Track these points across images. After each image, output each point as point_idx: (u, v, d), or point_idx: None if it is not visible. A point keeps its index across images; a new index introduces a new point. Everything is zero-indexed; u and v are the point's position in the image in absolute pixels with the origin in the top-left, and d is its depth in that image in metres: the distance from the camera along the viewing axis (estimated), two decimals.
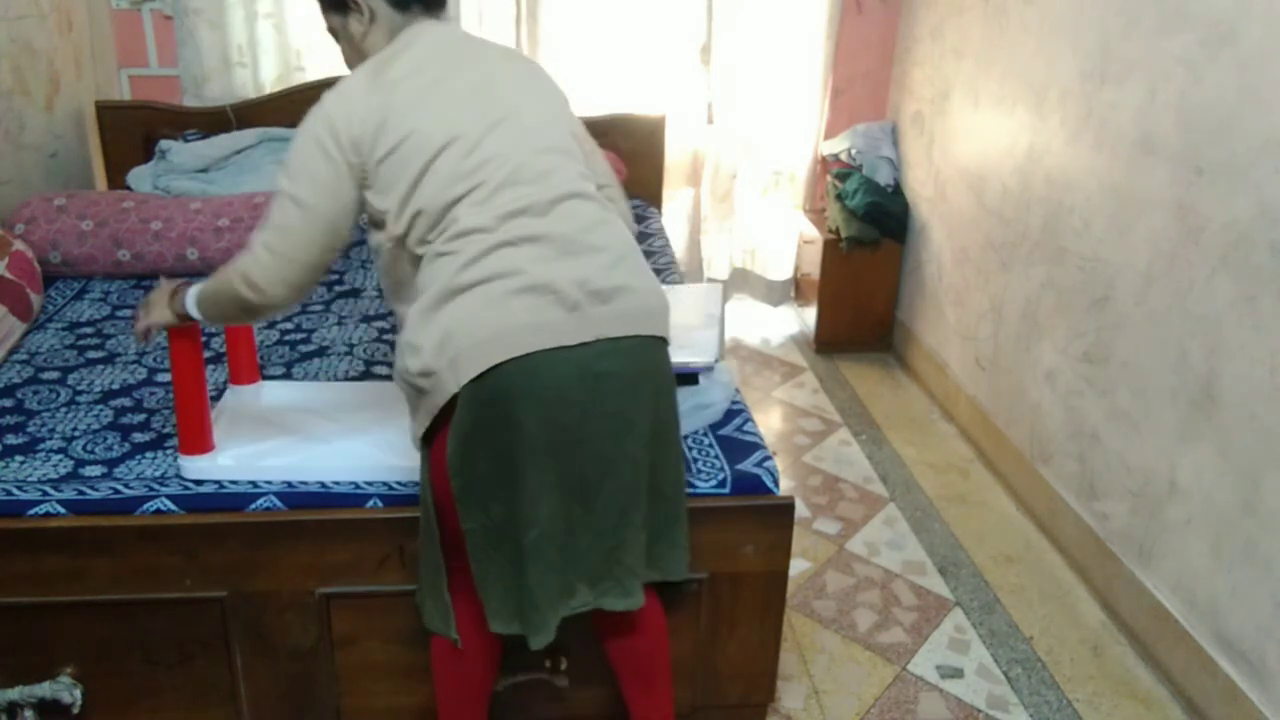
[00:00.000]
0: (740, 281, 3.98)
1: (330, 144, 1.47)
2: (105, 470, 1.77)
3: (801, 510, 2.69)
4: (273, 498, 1.69)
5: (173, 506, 1.67)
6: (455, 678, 1.61)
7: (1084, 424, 2.45)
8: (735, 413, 1.97)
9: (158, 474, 1.76)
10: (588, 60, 3.53)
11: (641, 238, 3.12)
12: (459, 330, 1.38)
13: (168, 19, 3.32)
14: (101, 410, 1.99)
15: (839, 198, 3.57)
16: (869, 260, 3.55)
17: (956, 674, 2.14)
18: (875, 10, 3.64)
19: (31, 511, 1.64)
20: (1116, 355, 2.31)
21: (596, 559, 1.48)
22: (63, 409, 1.99)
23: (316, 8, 1.62)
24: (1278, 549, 1.82)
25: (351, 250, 2.90)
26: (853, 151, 3.69)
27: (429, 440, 1.47)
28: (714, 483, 1.76)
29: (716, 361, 1.95)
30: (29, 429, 1.91)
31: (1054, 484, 2.58)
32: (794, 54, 3.59)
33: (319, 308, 2.54)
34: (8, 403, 2.01)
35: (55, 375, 2.14)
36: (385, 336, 2.37)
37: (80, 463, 1.79)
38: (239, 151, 3.11)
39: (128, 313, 2.49)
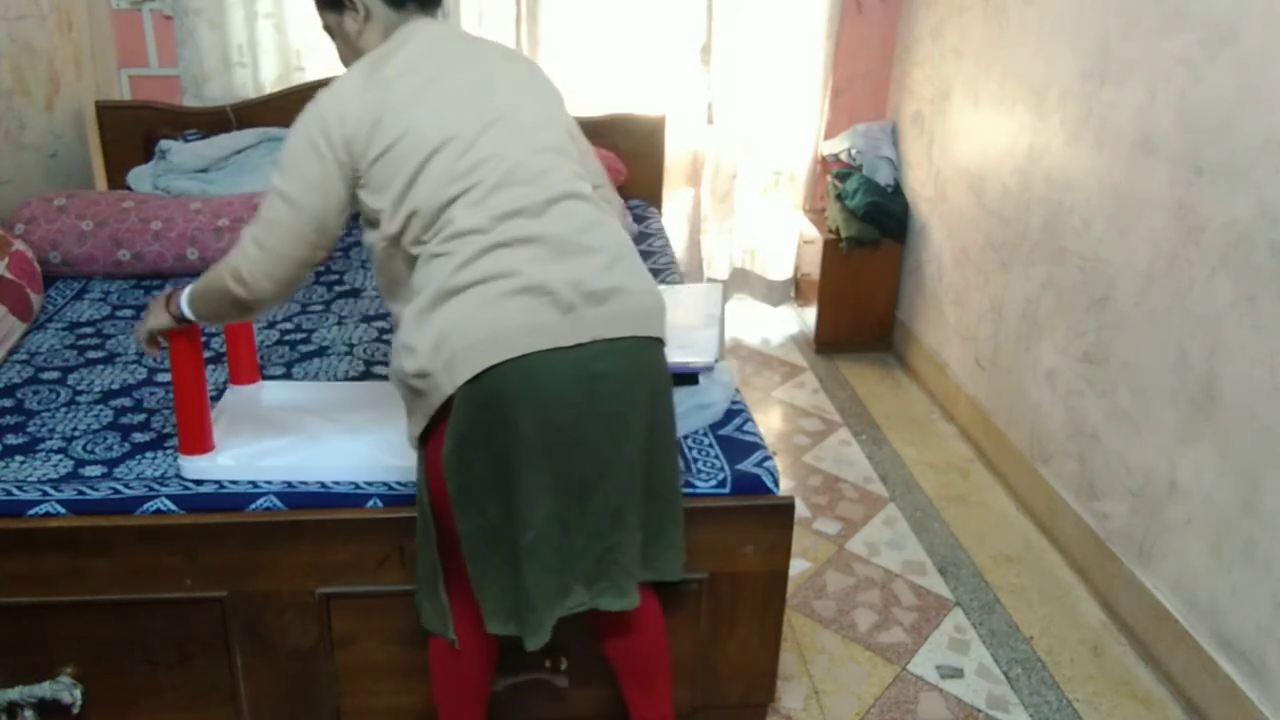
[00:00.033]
0: (740, 281, 3.98)
1: (322, 142, 1.47)
2: (105, 470, 1.77)
3: (801, 510, 2.69)
4: (273, 498, 1.69)
5: (173, 506, 1.67)
6: (453, 678, 1.61)
7: (1084, 424, 2.45)
8: (735, 413, 1.97)
9: (158, 474, 1.76)
10: (588, 60, 3.53)
11: (641, 238, 3.13)
12: (454, 332, 1.37)
13: (168, 19, 3.32)
14: (101, 410, 1.99)
15: (839, 198, 3.57)
16: (869, 260, 3.55)
17: (956, 674, 2.14)
18: (875, 10, 3.64)
19: (31, 511, 1.64)
20: (1116, 355, 2.31)
21: (592, 559, 1.48)
22: (63, 409, 1.99)
23: (313, 6, 1.62)
24: (1278, 549, 1.82)
25: (351, 250, 2.91)
26: (853, 151, 3.69)
27: (426, 441, 1.47)
28: (714, 483, 1.76)
29: (716, 361, 1.95)
30: (29, 429, 1.91)
31: (1054, 484, 2.58)
32: (794, 54, 3.59)
33: (319, 308, 2.54)
34: (8, 403, 2.01)
35: (55, 375, 2.14)
36: (385, 336, 2.37)
37: (80, 463, 1.79)
38: (239, 151, 3.11)
39: (128, 313, 2.50)
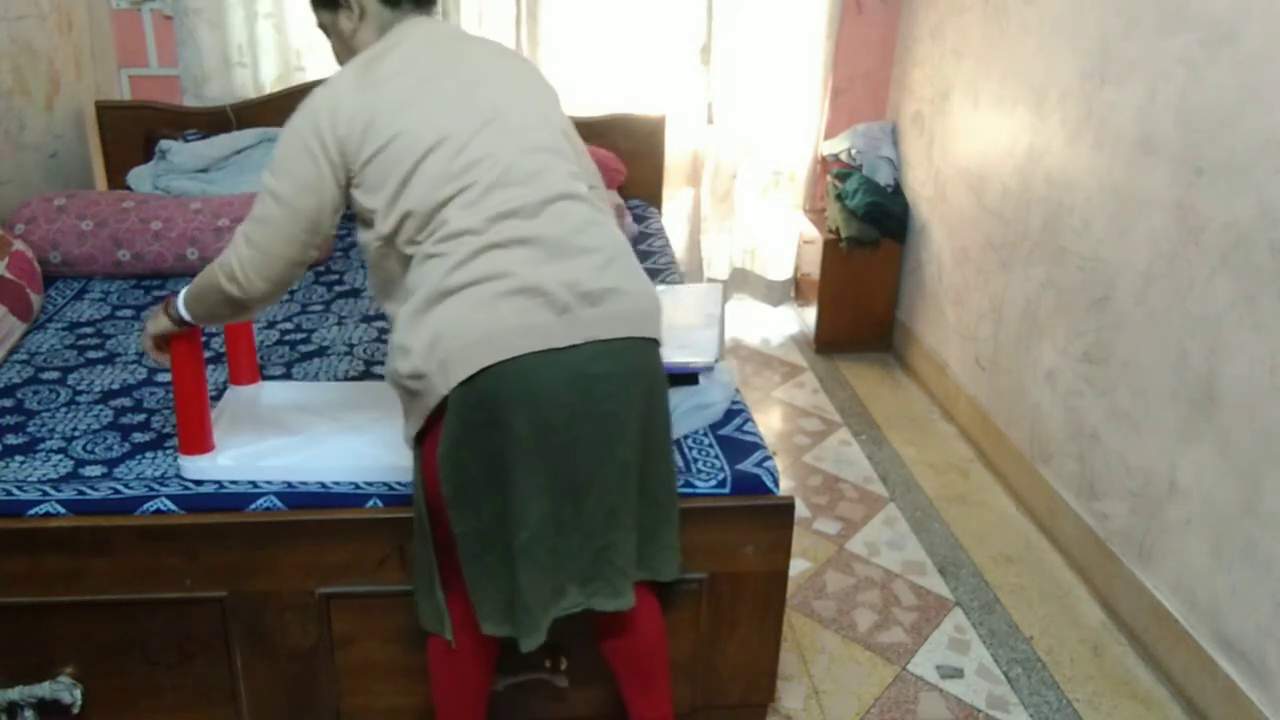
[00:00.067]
0: (740, 281, 3.98)
1: (314, 142, 1.46)
2: (105, 470, 1.77)
3: (801, 510, 2.69)
4: (273, 498, 1.69)
5: (173, 506, 1.67)
6: (452, 678, 1.61)
7: (1084, 424, 2.45)
8: (735, 413, 1.97)
9: (158, 474, 1.76)
10: (588, 60, 3.53)
11: (641, 238, 3.13)
12: (448, 333, 1.37)
13: (168, 19, 3.33)
14: (101, 410, 1.99)
15: (839, 198, 3.57)
16: (869, 260, 3.55)
17: (956, 674, 2.14)
18: (875, 10, 3.64)
19: (31, 511, 1.64)
20: (1116, 355, 2.31)
21: (587, 560, 1.47)
22: (63, 409, 1.99)
23: (309, 5, 1.62)
24: (1278, 549, 1.82)
25: (351, 250, 2.91)
26: (853, 151, 3.69)
27: (421, 441, 1.47)
28: (714, 483, 1.76)
29: (716, 361, 1.95)
30: (29, 429, 1.91)
31: (1054, 484, 2.58)
32: (794, 54, 3.59)
33: (319, 308, 2.54)
34: (8, 403, 2.01)
35: (55, 375, 2.14)
36: (385, 336, 2.36)
37: (80, 463, 1.79)
38: (239, 151, 3.11)
39: (128, 313, 2.50)
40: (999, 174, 2.90)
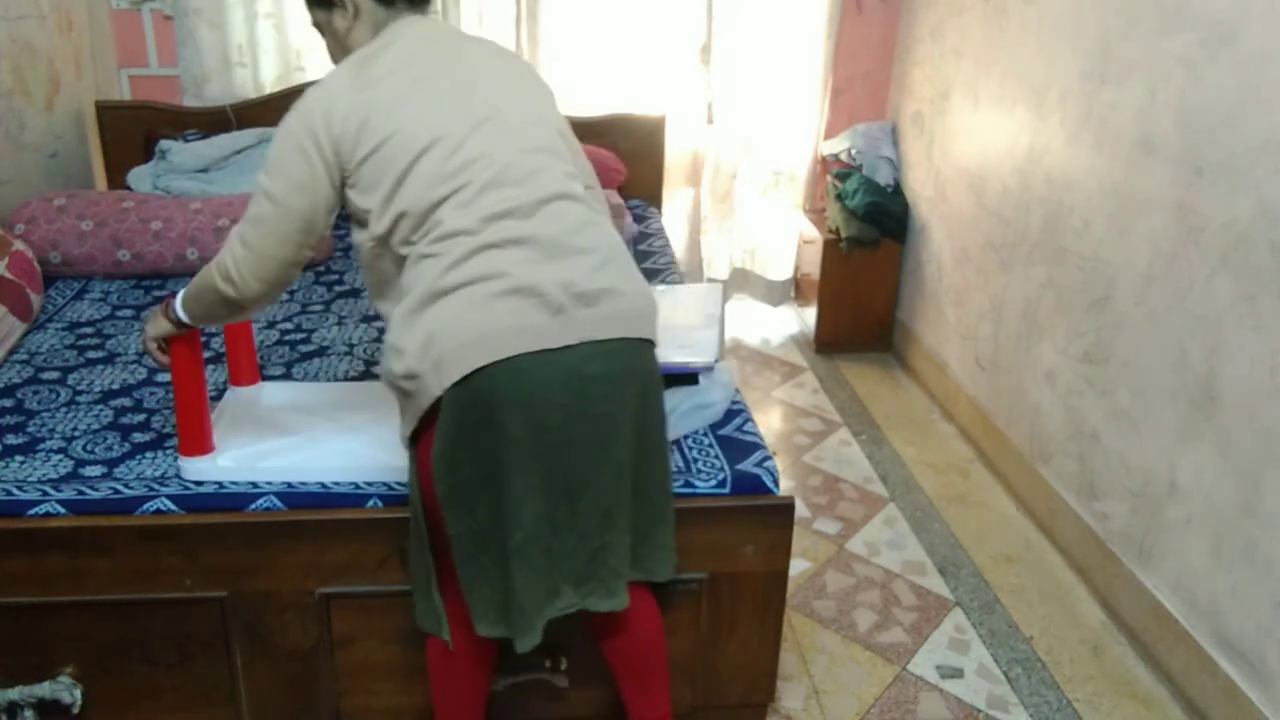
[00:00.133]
0: (740, 281, 3.98)
1: (308, 142, 1.46)
2: (105, 470, 1.77)
3: (801, 510, 2.69)
4: (273, 498, 1.69)
5: (173, 506, 1.67)
6: (451, 679, 1.61)
7: (1084, 424, 2.45)
8: (735, 413, 1.97)
9: (158, 474, 1.76)
10: (588, 60, 3.53)
11: (641, 238, 3.13)
12: (442, 333, 1.37)
13: (168, 19, 3.33)
14: (101, 410, 1.99)
15: (839, 198, 3.57)
16: (869, 260, 3.55)
17: (956, 674, 2.14)
18: (875, 10, 3.64)
19: (31, 511, 1.64)
20: (1116, 355, 2.31)
21: (581, 560, 1.47)
22: (63, 409, 1.99)
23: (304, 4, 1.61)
24: (1278, 549, 1.82)
25: (352, 250, 2.90)
26: (853, 151, 3.69)
27: (416, 442, 1.47)
28: (714, 483, 1.76)
29: (716, 361, 1.95)
30: (29, 429, 1.91)
31: (1054, 484, 2.58)
32: (794, 54, 3.59)
33: (319, 308, 2.54)
34: (8, 403, 2.01)
35: (55, 375, 2.14)
36: (384, 337, 2.37)
37: (80, 463, 1.79)
38: (239, 151, 3.11)
39: (128, 313, 2.50)
40: (999, 174, 2.90)
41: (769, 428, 3.14)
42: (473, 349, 1.35)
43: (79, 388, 2.08)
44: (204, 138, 3.15)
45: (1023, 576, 2.47)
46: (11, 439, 1.87)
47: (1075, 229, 2.48)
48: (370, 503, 1.70)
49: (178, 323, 1.62)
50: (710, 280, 3.88)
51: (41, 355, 2.23)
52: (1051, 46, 2.60)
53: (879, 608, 2.33)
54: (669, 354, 1.89)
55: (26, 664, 1.70)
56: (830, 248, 3.53)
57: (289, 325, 2.43)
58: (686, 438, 1.89)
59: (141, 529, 1.64)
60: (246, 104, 3.28)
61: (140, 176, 3.07)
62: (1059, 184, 2.56)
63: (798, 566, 2.43)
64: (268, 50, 3.37)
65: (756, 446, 1.86)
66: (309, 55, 3.39)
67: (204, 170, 3.06)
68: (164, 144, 3.07)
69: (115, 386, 2.09)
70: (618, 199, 3.14)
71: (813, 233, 3.66)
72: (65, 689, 1.69)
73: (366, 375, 2.18)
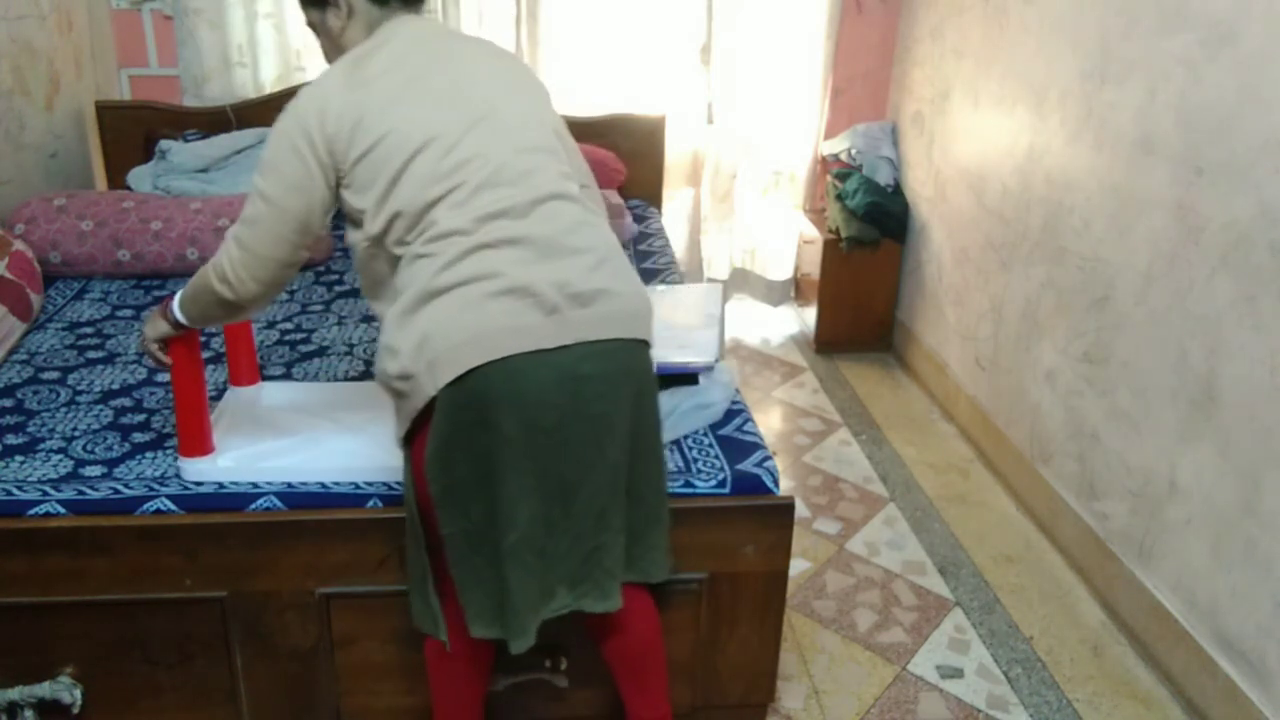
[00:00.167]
0: (740, 281, 3.98)
1: (302, 142, 1.46)
2: (105, 470, 1.77)
3: (801, 510, 2.69)
4: (273, 498, 1.69)
5: (173, 506, 1.67)
6: (449, 679, 1.60)
7: (1084, 424, 2.45)
8: (735, 413, 1.97)
9: (158, 474, 1.76)
10: (588, 60, 3.53)
11: (641, 238, 3.13)
12: (436, 333, 1.36)
13: (168, 19, 3.33)
14: (101, 410, 1.99)
15: (839, 198, 3.57)
16: (869, 260, 3.55)
17: (956, 674, 2.14)
18: (875, 10, 3.64)
19: (31, 511, 1.64)
20: (1116, 355, 2.31)
21: (575, 562, 1.47)
22: (63, 409, 1.99)
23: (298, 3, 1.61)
24: (1278, 549, 1.82)
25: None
26: (853, 151, 3.69)
27: (411, 442, 1.46)
28: (714, 483, 1.76)
29: (716, 361, 1.95)
30: (29, 429, 1.91)
31: (1054, 484, 2.58)
32: (794, 54, 3.59)
33: (319, 308, 2.54)
34: (8, 403, 2.01)
35: (55, 375, 2.14)
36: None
37: (80, 463, 1.79)
38: (239, 151, 3.11)
39: (128, 313, 2.50)
40: (999, 174, 2.90)
41: (769, 428, 3.14)
42: (467, 349, 1.35)
43: (79, 388, 2.08)
44: (204, 138, 3.15)
45: (1023, 576, 2.47)
46: (11, 439, 1.87)
47: (1075, 229, 2.48)
48: (370, 503, 1.70)
49: (176, 324, 1.62)
50: (710, 280, 3.88)
51: (41, 355, 2.23)
52: (1051, 46, 2.60)
53: (879, 608, 2.33)
54: (669, 354, 1.89)
55: (26, 664, 1.70)
56: (830, 248, 3.53)
57: (289, 325, 2.43)
58: (686, 438, 1.89)
59: (141, 529, 1.64)
60: (246, 104, 3.28)
61: (140, 176, 3.07)
62: (1059, 184, 2.56)
63: (798, 566, 2.43)
64: (268, 50, 3.37)
65: (756, 446, 1.86)
66: (309, 55, 3.39)
67: (204, 170, 3.06)
68: (164, 144, 3.07)
69: (115, 386, 2.09)
70: (617, 199, 3.14)
71: (813, 233, 3.66)
72: (65, 689, 1.69)
73: (366, 375, 2.17)
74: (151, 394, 2.05)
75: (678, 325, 2.03)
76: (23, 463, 1.79)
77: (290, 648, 1.74)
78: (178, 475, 1.74)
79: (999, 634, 2.27)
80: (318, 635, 1.73)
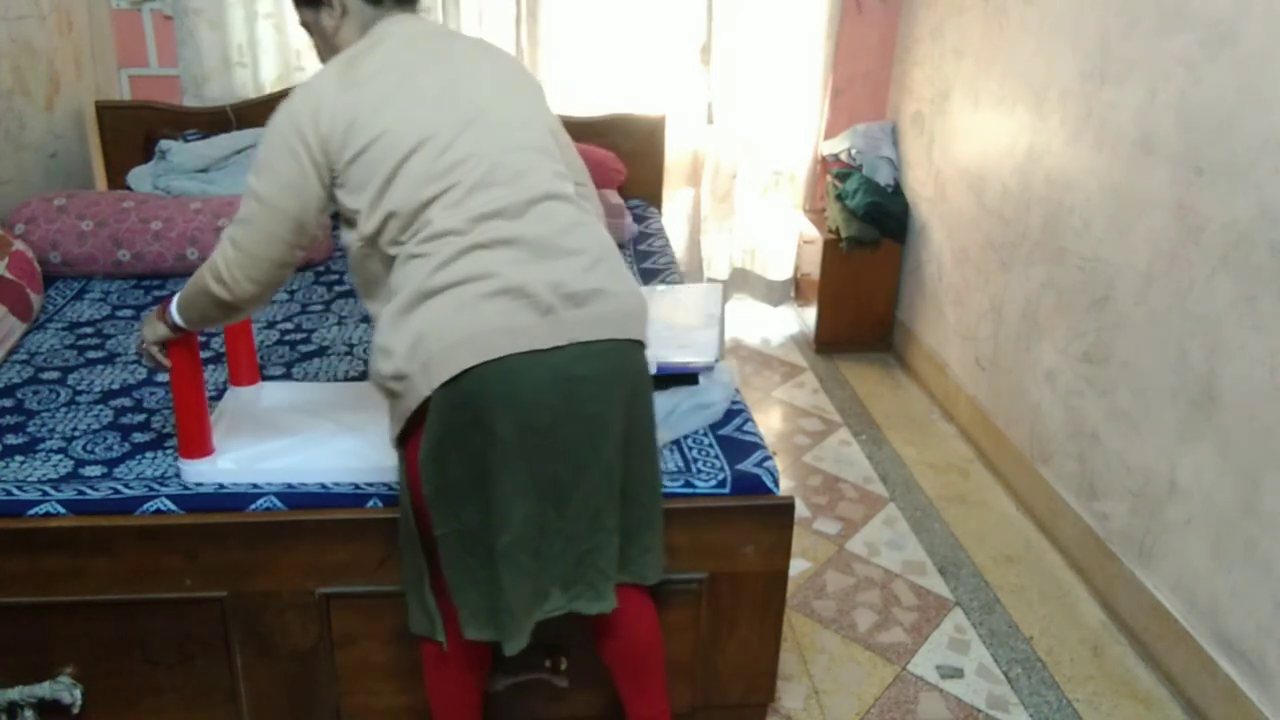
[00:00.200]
0: (740, 281, 3.98)
1: (296, 142, 1.45)
2: (105, 470, 1.77)
3: (801, 510, 2.69)
4: (273, 498, 1.68)
5: (173, 506, 1.67)
6: (446, 681, 1.60)
7: (1084, 424, 2.45)
8: (735, 413, 1.97)
9: (158, 474, 1.76)
10: (588, 60, 3.53)
11: (641, 238, 3.13)
12: (431, 334, 1.36)
13: (168, 19, 3.33)
14: (101, 410, 1.99)
15: (839, 198, 3.57)
16: (869, 260, 3.55)
17: (956, 674, 2.14)
18: (875, 10, 3.64)
19: (31, 511, 1.64)
20: (1116, 355, 2.31)
21: (569, 563, 1.46)
22: (63, 409, 1.99)
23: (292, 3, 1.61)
24: (1278, 549, 1.82)
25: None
26: (853, 151, 3.69)
27: (405, 443, 1.46)
28: (714, 483, 1.76)
29: (716, 361, 1.95)
30: (29, 429, 1.91)
31: (1054, 484, 2.58)
32: (794, 54, 3.59)
33: (319, 308, 2.54)
34: (8, 403, 2.01)
35: (55, 375, 2.14)
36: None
37: (80, 463, 1.79)
38: (239, 151, 3.11)
39: (128, 313, 2.50)
40: (999, 174, 2.90)
41: (769, 428, 3.14)
42: (461, 350, 1.35)
43: (79, 388, 2.08)
44: (204, 138, 3.15)
45: (1023, 576, 2.47)
46: (11, 439, 1.87)
47: (1075, 229, 2.48)
48: (370, 503, 1.70)
49: (174, 327, 1.61)
50: (710, 280, 3.88)
51: (41, 355, 2.23)
52: (1051, 46, 2.60)
53: (879, 608, 2.33)
54: (669, 354, 1.89)
55: (26, 664, 1.70)
56: (830, 248, 3.53)
57: (289, 325, 2.43)
58: (686, 438, 1.89)
59: (141, 529, 1.64)
60: (246, 104, 3.28)
61: (140, 176, 3.07)
62: (1059, 184, 2.56)
63: (798, 566, 2.43)
64: (268, 50, 3.37)
65: (756, 446, 1.86)
66: (309, 55, 3.36)
67: (204, 170, 3.06)
68: (164, 144, 3.07)
69: (115, 386, 2.09)
70: (617, 199, 3.14)
71: (813, 233, 3.66)
72: (65, 689, 1.69)
73: (366, 375, 2.17)
74: (151, 394, 2.05)
75: (678, 325, 2.03)
76: (23, 463, 1.79)
77: (290, 648, 1.74)
78: (178, 475, 1.74)
79: (999, 634, 2.27)
80: (318, 635, 1.73)
